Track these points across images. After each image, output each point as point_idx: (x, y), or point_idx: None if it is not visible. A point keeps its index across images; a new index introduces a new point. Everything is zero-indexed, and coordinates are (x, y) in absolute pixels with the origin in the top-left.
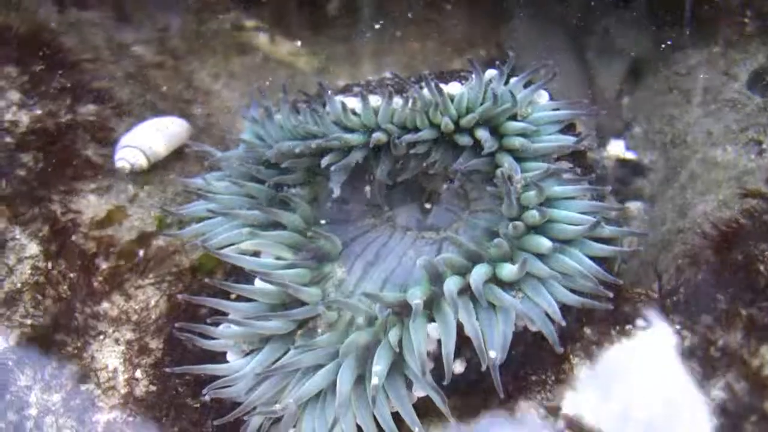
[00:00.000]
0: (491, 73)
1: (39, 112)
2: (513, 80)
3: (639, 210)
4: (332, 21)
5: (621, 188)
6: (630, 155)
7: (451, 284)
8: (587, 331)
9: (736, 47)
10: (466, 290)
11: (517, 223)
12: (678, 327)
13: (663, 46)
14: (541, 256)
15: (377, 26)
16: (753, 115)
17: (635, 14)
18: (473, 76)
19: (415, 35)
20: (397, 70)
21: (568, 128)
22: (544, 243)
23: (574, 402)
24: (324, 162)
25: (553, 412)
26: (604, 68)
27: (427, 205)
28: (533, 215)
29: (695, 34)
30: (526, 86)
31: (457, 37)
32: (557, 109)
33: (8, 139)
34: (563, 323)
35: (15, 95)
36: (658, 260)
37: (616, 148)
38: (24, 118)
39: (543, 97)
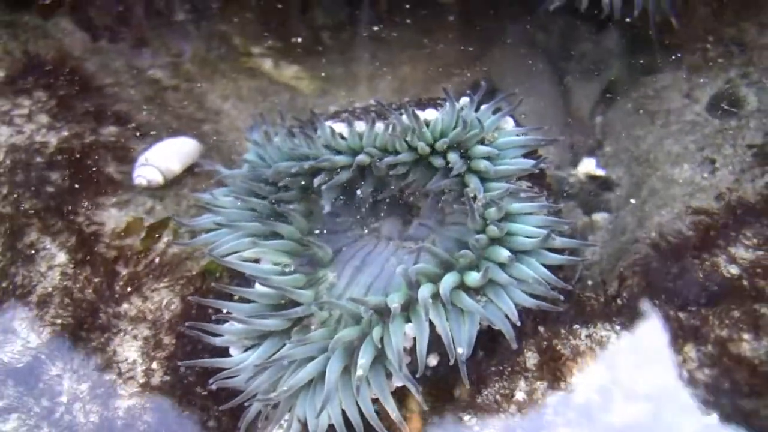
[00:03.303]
0: (464, 100)
1: (66, 133)
2: (483, 107)
3: (604, 221)
4: (331, 47)
5: (590, 201)
6: (600, 172)
7: (425, 291)
8: (541, 329)
9: (699, 72)
10: (438, 295)
11: (480, 236)
12: (618, 328)
13: (635, 70)
14: (501, 265)
15: (372, 51)
16: (710, 136)
17: (611, 41)
18: (447, 103)
19: (407, 59)
20: (390, 92)
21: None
22: (504, 253)
23: (525, 389)
24: (316, 182)
25: (508, 398)
26: (580, 90)
27: (408, 219)
28: (493, 230)
29: (664, 59)
30: (495, 112)
31: (446, 61)
32: (523, 135)
33: (39, 159)
34: (518, 324)
35: (44, 118)
36: (615, 267)
37: (588, 166)
38: (52, 140)
39: (508, 123)
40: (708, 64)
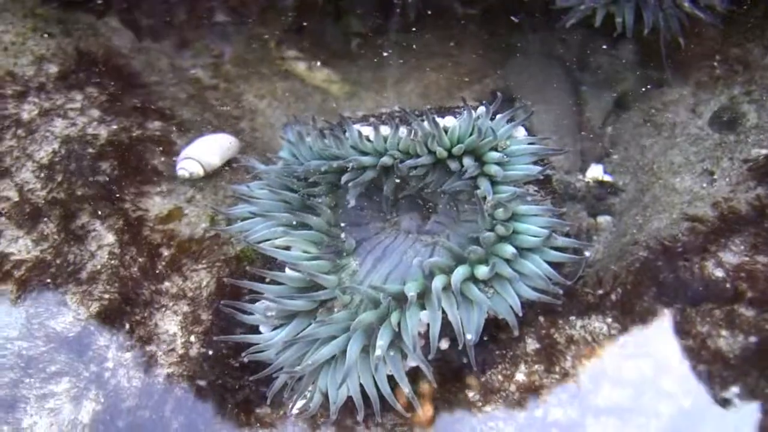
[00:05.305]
0: (481, 109)
1: (115, 127)
2: (498, 116)
3: (608, 223)
4: (361, 53)
5: (596, 205)
6: (607, 178)
7: (438, 282)
8: (541, 319)
9: (705, 88)
10: (450, 286)
11: (489, 234)
12: (610, 320)
13: (645, 83)
14: (507, 261)
15: (400, 58)
16: (710, 149)
17: (624, 55)
18: (465, 112)
19: (433, 66)
20: (416, 97)
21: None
22: (509, 250)
23: (524, 372)
24: (343, 179)
25: (509, 378)
26: (593, 101)
27: (425, 215)
28: (501, 228)
29: (673, 75)
30: (509, 122)
31: (468, 69)
32: (532, 143)
33: (90, 150)
34: (521, 314)
35: (95, 112)
36: (613, 266)
37: (596, 171)
38: (103, 132)
39: (520, 131)
40: (713, 81)
